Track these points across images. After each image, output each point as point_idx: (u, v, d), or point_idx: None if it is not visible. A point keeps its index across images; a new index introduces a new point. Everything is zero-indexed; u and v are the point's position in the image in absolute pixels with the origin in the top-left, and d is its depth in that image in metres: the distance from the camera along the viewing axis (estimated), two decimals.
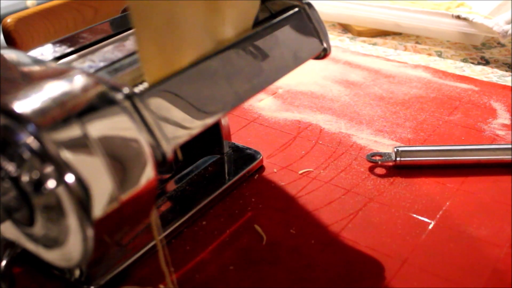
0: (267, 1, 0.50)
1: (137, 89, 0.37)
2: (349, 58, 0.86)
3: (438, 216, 0.53)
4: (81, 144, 0.31)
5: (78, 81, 0.34)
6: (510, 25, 0.81)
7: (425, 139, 0.65)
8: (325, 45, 0.49)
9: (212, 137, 0.58)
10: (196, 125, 0.38)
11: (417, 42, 0.92)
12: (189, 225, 0.52)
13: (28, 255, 0.42)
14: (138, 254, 0.48)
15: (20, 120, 0.31)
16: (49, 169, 0.31)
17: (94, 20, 0.51)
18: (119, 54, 0.44)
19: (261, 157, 0.60)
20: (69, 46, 0.47)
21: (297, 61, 0.46)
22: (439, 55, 0.87)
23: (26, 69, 0.38)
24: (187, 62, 0.40)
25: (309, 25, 0.48)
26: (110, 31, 0.49)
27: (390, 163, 0.60)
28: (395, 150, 0.59)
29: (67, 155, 0.30)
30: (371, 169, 0.60)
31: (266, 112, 0.71)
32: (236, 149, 0.61)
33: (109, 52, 0.45)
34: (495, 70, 0.82)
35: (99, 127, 0.32)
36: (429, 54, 0.88)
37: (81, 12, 0.52)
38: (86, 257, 0.33)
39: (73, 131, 0.31)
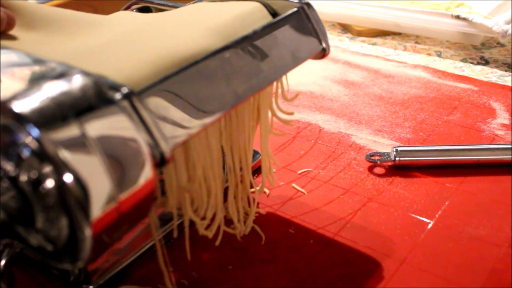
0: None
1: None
2: (349, 58, 0.86)
3: (437, 215, 0.53)
4: (79, 144, 0.31)
5: (77, 81, 0.34)
6: (509, 25, 0.81)
7: (424, 139, 0.65)
8: (324, 45, 0.49)
9: None
10: (195, 125, 0.38)
11: (416, 42, 0.92)
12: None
13: (28, 255, 0.42)
14: (137, 254, 0.48)
15: (19, 119, 0.31)
16: (47, 168, 0.31)
17: None
18: None
19: (260, 157, 0.60)
20: None
21: (296, 61, 0.46)
22: (439, 55, 0.87)
23: (25, 68, 0.38)
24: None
25: (308, 25, 0.48)
26: None
27: (389, 163, 0.60)
28: (394, 150, 0.59)
29: (65, 154, 0.30)
30: (370, 169, 0.60)
31: None
32: None
33: None
34: (495, 70, 0.82)
35: (97, 127, 0.32)
36: (429, 54, 0.88)
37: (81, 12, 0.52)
38: (84, 257, 0.33)
39: (71, 131, 0.31)
